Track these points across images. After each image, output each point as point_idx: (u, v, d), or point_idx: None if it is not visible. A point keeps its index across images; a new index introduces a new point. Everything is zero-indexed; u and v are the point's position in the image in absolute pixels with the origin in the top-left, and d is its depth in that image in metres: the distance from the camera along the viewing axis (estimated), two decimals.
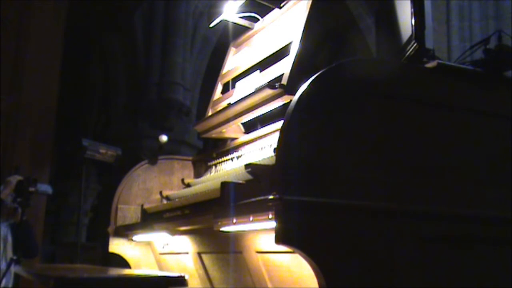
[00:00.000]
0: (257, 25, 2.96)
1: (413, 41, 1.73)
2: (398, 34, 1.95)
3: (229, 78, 2.99)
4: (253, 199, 1.48)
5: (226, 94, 2.92)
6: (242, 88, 2.71)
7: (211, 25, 3.56)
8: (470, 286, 1.60)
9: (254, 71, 2.67)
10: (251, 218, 1.47)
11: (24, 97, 4.90)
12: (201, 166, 3.09)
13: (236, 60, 3.05)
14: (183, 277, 1.87)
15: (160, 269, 2.94)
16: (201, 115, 5.66)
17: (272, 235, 1.34)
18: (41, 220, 4.78)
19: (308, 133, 1.42)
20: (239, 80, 2.82)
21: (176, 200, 2.69)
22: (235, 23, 3.07)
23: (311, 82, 1.46)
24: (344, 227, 1.40)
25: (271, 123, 2.48)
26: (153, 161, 3.05)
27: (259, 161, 2.07)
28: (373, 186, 1.47)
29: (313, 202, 1.37)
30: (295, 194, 1.35)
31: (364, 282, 1.43)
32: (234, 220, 1.56)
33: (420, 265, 1.52)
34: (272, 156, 2.02)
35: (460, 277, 1.59)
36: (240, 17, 3.02)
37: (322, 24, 8.60)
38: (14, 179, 3.39)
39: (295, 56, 2.30)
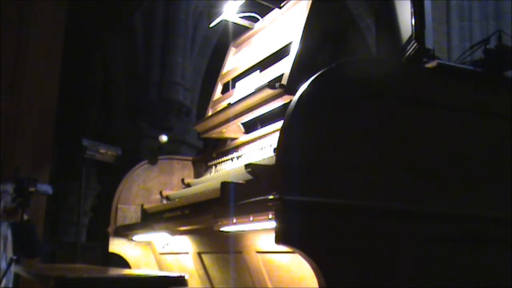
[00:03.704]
0: (257, 25, 2.96)
1: (413, 41, 1.73)
2: (398, 34, 1.95)
3: (229, 78, 2.99)
4: (253, 199, 1.48)
5: (226, 94, 2.92)
6: (242, 88, 2.71)
7: (211, 25, 3.56)
8: (470, 286, 1.60)
9: (254, 71, 2.67)
10: (251, 218, 1.47)
11: (24, 97, 4.90)
12: (201, 166, 3.09)
13: (236, 60, 3.05)
14: (183, 277, 1.87)
15: (160, 269, 2.94)
16: (201, 115, 5.65)
17: (272, 235, 1.34)
18: (41, 220, 4.78)
19: (308, 133, 1.42)
20: (239, 80, 2.82)
21: (176, 200, 2.69)
22: (235, 23, 3.07)
23: (311, 82, 1.46)
24: (344, 227, 1.40)
25: (271, 123, 2.48)
26: (153, 161, 3.05)
27: (259, 161, 2.07)
28: (373, 186, 1.47)
29: (313, 202, 1.37)
30: (295, 194, 1.35)
31: (364, 282, 1.43)
32: (234, 220, 1.56)
33: (420, 265, 1.52)
34: (272, 156, 2.02)
35: (460, 277, 1.59)
36: (240, 17, 3.02)
37: (322, 24, 8.60)
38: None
39: (295, 56, 2.30)
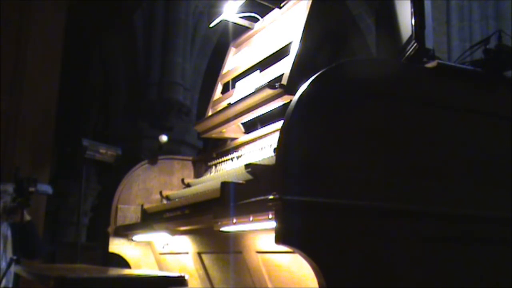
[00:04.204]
0: (257, 25, 2.96)
1: (413, 41, 1.73)
2: (398, 34, 1.95)
3: (229, 78, 2.99)
4: (253, 199, 1.48)
5: (226, 94, 2.92)
6: (242, 88, 2.71)
7: (211, 25, 3.56)
8: (470, 286, 1.60)
9: (254, 71, 2.67)
10: (251, 218, 1.47)
11: (24, 97, 4.90)
12: (201, 166, 3.08)
13: (236, 60, 3.05)
14: (183, 277, 1.87)
15: (160, 269, 2.94)
16: (201, 115, 5.65)
17: (272, 235, 1.34)
18: (41, 220, 4.78)
19: (308, 133, 1.42)
20: (239, 80, 2.82)
21: (176, 200, 2.69)
22: (235, 23, 3.07)
23: (311, 82, 1.46)
24: (344, 227, 1.40)
25: (271, 123, 2.48)
26: (153, 161, 3.05)
27: (259, 161, 2.07)
28: (373, 186, 1.47)
29: (313, 202, 1.37)
30: (295, 194, 1.35)
31: (364, 282, 1.43)
32: (234, 220, 1.56)
33: (420, 265, 1.52)
34: (272, 156, 2.02)
35: (460, 277, 1.59)
36: (240, 17, 3.02)
37: (322, 24, 8.60)
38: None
39: (295, 56, 2.30)
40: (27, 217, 3.61)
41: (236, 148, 2.76)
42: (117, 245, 2.90)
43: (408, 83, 1.65)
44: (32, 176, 3.50)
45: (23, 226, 3.45)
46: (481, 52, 1.79)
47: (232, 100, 2.77)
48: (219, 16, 3.08)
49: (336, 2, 8.71)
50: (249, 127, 2.80)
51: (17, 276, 3.34)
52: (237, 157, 2.71)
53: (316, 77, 1.47)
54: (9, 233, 3.60)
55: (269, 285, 1.99)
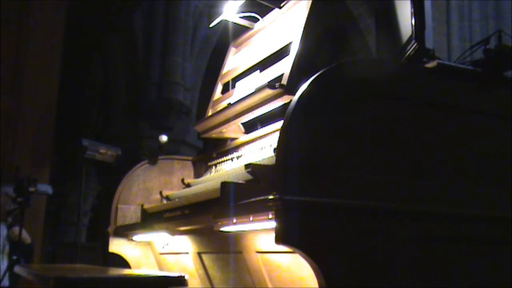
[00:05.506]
0: (257, 25, 2.96)
1: (413, 41, 1.73)
2: (398, 34, 1.95)
3: (229, 78, 2.99)
4: (253, 199, 1.48)
5: (226, 94, 2.92)
6: (242, 88, 2.71)
7: (211, 25, 3.56)
8: (470, 286, 1.60)
9: (254, 71, 2.67)
10: (251, 218, 1.47)
11: (24, 97, 4.90)
12: (201, 166, 3.08)
13: (236, 60, 3.04)
14: (183, 277, 1.87)
15: (160, 269, 2.94)
16: (201, 115, 5.65)
17: (272, 235, 1.34)
18: (41, 220, 4.78)
19: (308, 133, 1.42)
20: (239, 80, 2.82)
21: (176, 200, 2.69)
22: (235, 23, 3.07)
23: (311, 82, 1.46)
24: (344, 227, 1.40)
25: (271, 123, 2.48)
26: (153, 161, 3.05)
27: (259, 161, 2.07)
28: (373, 186, 1.47)
29: (313, 202, 1.37)
30: (295, 194, 1.35)
31: (364, 282, 1.43)
32: (234, 220, 1.56)
33: (420, 265, 1.52)
34: (272, 156, 2.02)
35: (460, 277, 1.59)
36: (240, 17, 3.02)
37: (322, 24, 8.60)
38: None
39: (295, 56, 2.30)
40: (28, 240, 3.66)
41: (236, 148, 2.76)
42: (117, 245, 2.90)
43: (408, 83, 1.65)
44: (32, 176, 3.50)
45: (24, 248, 3.50)
46: (481, 52, 1.79)
47: (232, 100, 2.77)
48: (219, 16, 3.08)
49: (336, 2, 8.72)
50: (249, 127, 2.80)
51: (17, 276, 3.35)
52: (237, 157, 2.71)
53: (316, 77, 1.47)
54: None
55: (269, 285, 1.99)
